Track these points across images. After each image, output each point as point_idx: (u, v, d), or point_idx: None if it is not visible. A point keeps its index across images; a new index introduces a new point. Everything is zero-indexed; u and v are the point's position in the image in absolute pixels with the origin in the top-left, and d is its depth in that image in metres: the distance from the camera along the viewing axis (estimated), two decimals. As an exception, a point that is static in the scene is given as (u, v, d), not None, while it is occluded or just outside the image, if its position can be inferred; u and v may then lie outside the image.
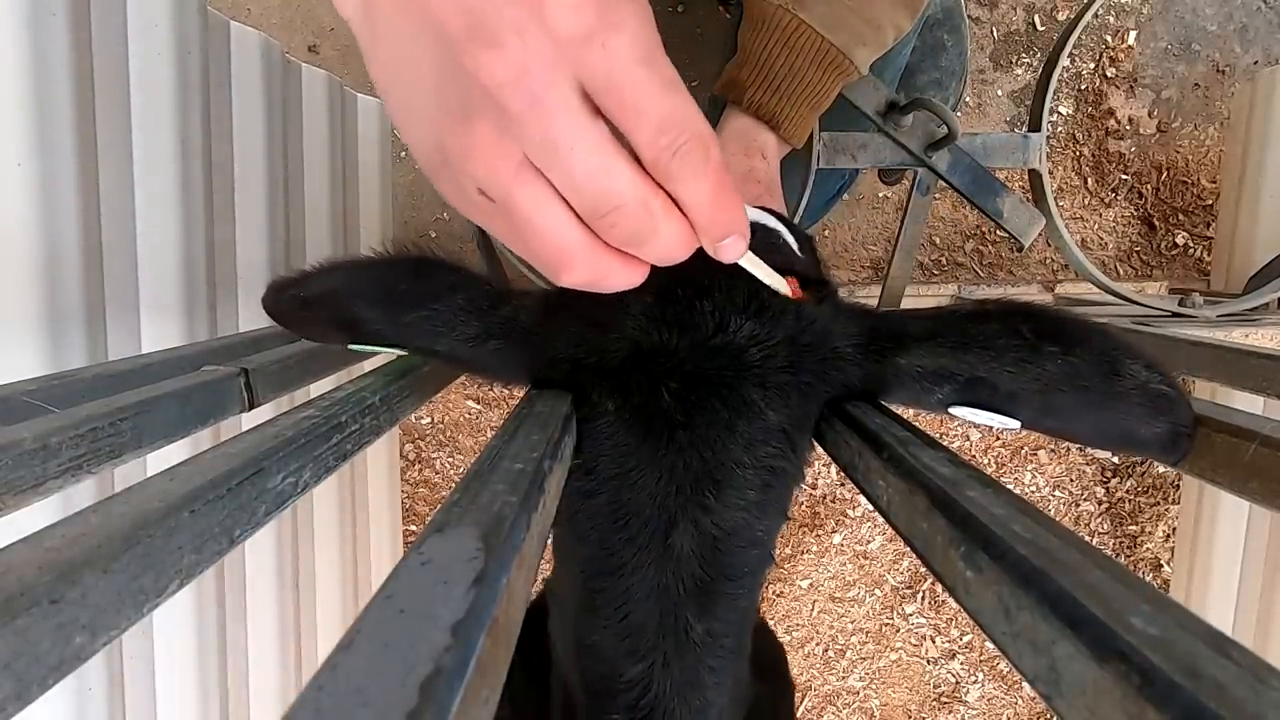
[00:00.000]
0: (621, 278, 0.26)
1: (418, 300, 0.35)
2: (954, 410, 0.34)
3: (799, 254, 0.41)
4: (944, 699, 1.49)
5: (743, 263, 0.31)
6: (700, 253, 0.27)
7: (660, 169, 0.23)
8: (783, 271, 0.34)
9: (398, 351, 0.38)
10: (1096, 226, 1.41)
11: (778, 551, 1.42)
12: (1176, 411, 0.30)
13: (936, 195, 0.97)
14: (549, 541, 0.30)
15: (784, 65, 0.56)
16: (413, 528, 1.37)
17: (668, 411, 0.32)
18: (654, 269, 0.27)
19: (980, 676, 1.48)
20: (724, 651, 0.35)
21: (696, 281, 0.33)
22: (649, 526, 0.33)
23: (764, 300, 0.34)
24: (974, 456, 1.43)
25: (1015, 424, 0.32)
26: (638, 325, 0.33)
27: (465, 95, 0.22)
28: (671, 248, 0.25)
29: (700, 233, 0.25)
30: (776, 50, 0.56)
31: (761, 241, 0.39)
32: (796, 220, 0.68)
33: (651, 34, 0.22)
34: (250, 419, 0.39)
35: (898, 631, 1.47)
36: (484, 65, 0.21)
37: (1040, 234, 0.76)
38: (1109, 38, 1.37)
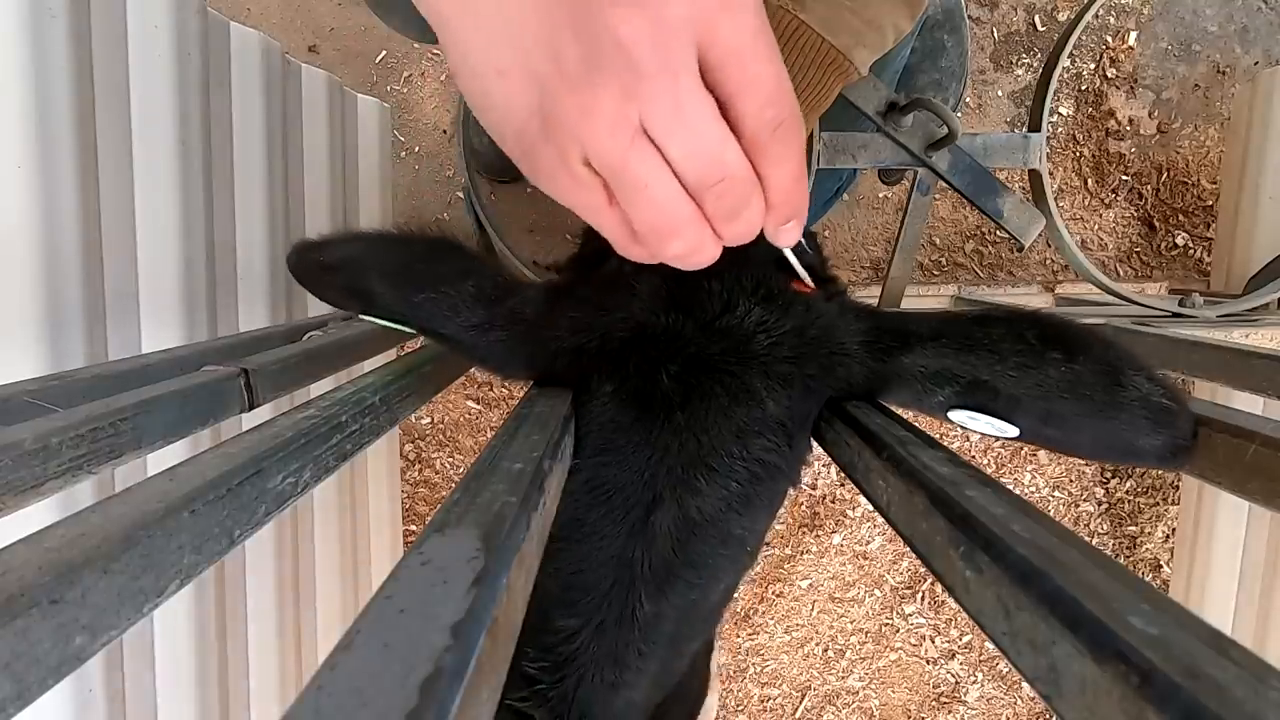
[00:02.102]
0: (712, 252, 0.26)
1: (429, 281, 0.35)
2: (954, 415, 0.34)
3: (807, 250, 0.41)
4: (943, 699, 1.49)
5: (787, 249, 0.31)
6: None
7: (759, 144, 0.23)
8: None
9: (408, 329, 0.38)
10: (1096, 227, 1.41)
11: (778, 552, 1.42)
12: (1177, 425, 0.30)
13: (936, 195, 0.96)
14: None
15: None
16: (413, 528, 1.37)
17: (667, 393, 0.33)
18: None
19: (980, 676, 1.48)
20: (660, 637, 0.35)
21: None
22: (630, 501, 0.33)
23: (772, 288, 0.34)
24: (974, 456, 1.43)
25: (1014, 431, 0.32)
26: (644, 306, 0.33)
27: (593, 52, 0.22)
28: (753, 224, 0.25)
29: (772, 211, 0.26)
30: (777, 50, 0.56)
31: None
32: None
33: (763, 7, 0.23)
34: (250, 419, 0.39)
35: (897, 631, 1.47)
36: (625, 20, 0.21)
37: (1040, 234, 0.76)
38: (1109, 38, 1.37)
